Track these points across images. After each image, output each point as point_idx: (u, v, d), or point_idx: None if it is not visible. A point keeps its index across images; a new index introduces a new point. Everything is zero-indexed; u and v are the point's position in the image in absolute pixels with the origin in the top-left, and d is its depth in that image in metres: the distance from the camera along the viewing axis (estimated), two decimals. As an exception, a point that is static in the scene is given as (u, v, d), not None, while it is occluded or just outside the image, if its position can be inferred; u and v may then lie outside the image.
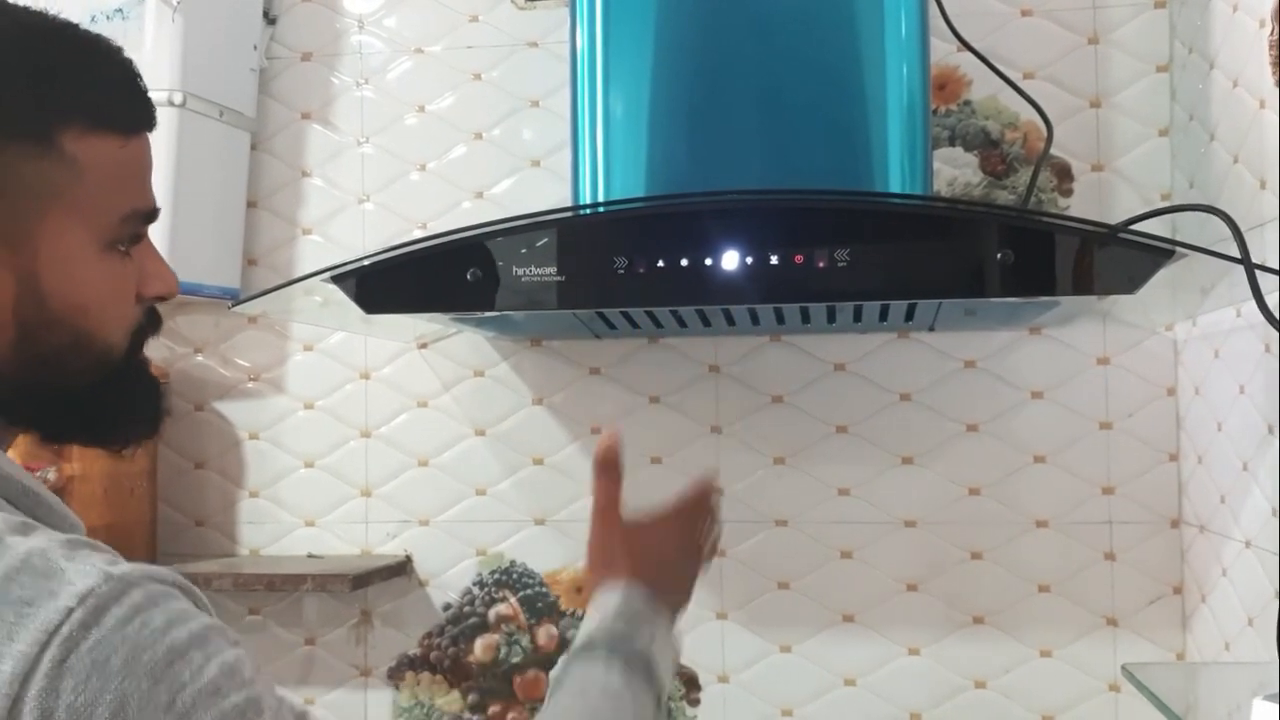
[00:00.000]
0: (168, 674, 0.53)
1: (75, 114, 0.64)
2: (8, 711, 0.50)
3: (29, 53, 0.63)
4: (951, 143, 1.44)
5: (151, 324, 0.72)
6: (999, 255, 0.99)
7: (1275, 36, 1.07)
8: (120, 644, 0.52)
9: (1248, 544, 1.17)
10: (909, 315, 1.25)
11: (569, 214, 1.14)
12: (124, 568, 0.55)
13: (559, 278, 1.04)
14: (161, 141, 0.90)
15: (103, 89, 0.66)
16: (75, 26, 0.67)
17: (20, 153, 0.62)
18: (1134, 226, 1.01)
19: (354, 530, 1.56)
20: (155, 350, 0.93)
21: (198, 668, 0.54)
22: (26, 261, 0.63)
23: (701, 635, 1.48)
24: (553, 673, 0.84)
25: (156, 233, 0.72)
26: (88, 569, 0.54)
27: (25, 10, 0.66)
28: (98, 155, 0.65)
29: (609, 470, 0.92)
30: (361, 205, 1.58)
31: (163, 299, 0.72)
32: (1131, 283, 0.98)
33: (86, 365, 0.66)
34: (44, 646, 0.51)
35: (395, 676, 1.54)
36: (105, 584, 0.53)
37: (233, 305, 1.33)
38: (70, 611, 0.52)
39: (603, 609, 0.86)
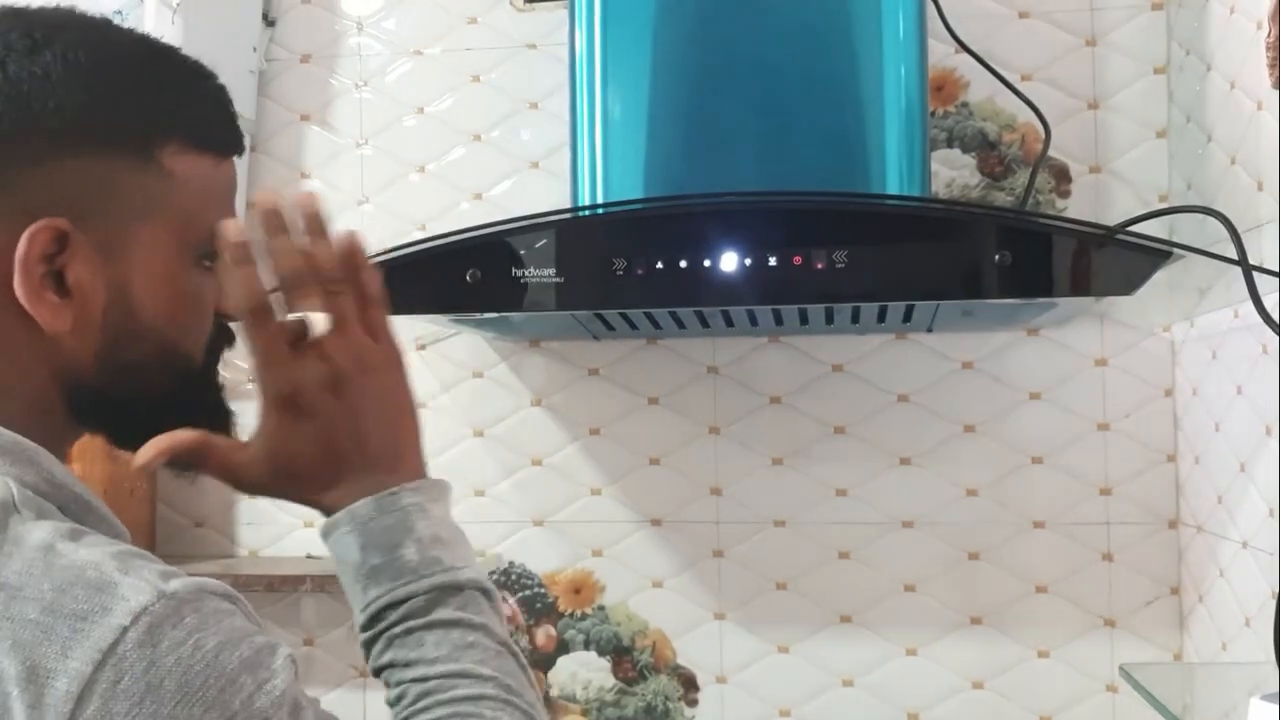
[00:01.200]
0: (220, 700, 0.53)
1: (175, 131, 0.66)
2: None
3: (138, 70, 0.66)
4: (949, 144, 1.44)
5: (226, 338, 0.73)
6: (997, 257, 0.99)
7: (1272, 38, 1.07)
8: (174, 667, 0.52)
9: (1245, 544, 1.18)
10: (907, 316, 1.25)
11: (568, 215, 1.14)
12: (176, 583, 0.55)
13: (558, 279, 1.04)
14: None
15: (201, 110, 0.69)
16: (177, 50, 0.69)
17: (124, 165, 0.64)
18: (1131, 228, 1.01)
19: (353, 531, 1.56)
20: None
21: (247, 695, 0.54)
22: (121, 270, 0.64)
23: (699, 635, 1.49)
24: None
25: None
26: (141, 584, 0.54)
27: (132, 31, 0.69)
28: (193, 172, 0.66)
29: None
30: (361, 207, 1.58)
31: (236, 319, 0.72)
32: (1129, 284, 0.98)
33: (167, 374, 0.67)
34: (99, 666, 0.51)
35: (394, 677, 1.54)
36: (159, 601, 0.53)
37: (232, 306, 1.33)
38: (125, 630, 0.52)
39: (346, 571, 0.68)
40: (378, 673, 0.67)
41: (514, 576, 1.53)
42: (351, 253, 0.69)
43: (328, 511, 0.69)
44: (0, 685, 0.51)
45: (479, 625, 0.67)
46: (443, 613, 0.66)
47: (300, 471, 0.69)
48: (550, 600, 1.52)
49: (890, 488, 1.45)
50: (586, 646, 1.51)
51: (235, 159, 0.72)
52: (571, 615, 1.52)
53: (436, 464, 1.65)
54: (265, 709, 0.54)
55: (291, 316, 0.68)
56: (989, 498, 1.43)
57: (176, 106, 0.67)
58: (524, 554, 1.53)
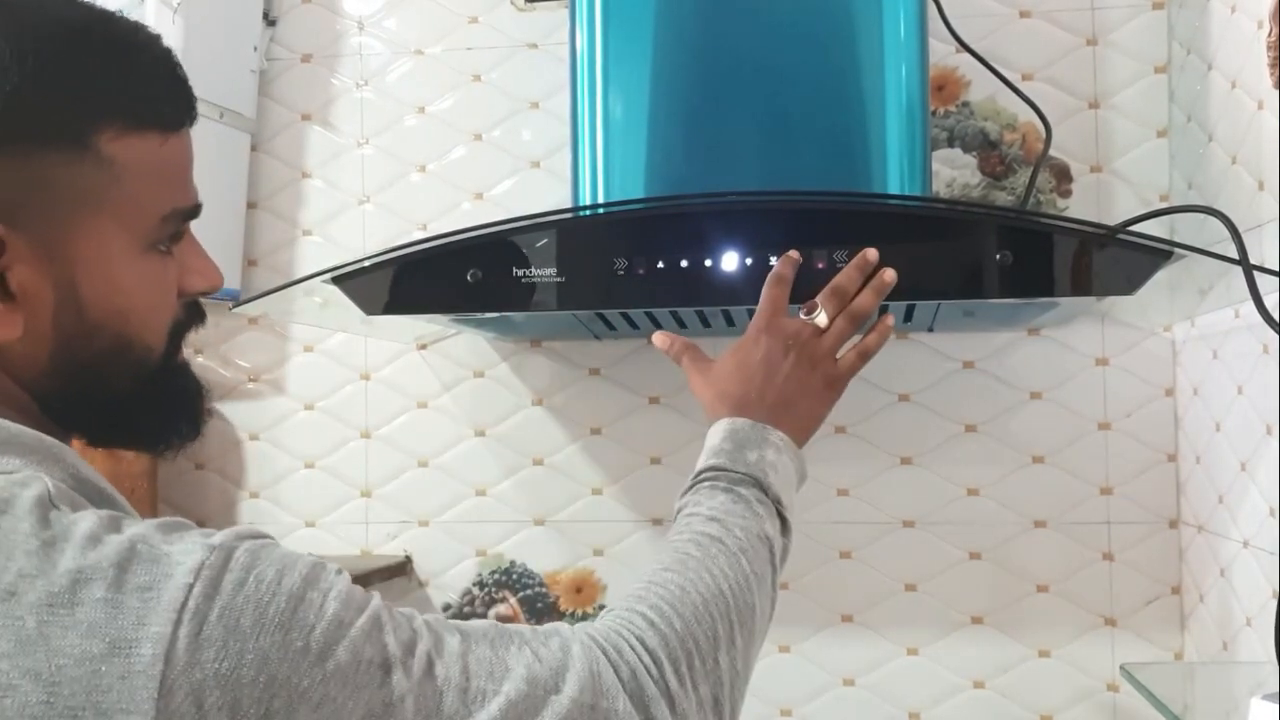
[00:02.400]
0: (295, 620, 0.55)
1: (112, 115, 0.62)
2: (158, 693, 0.51)
3: (65, 53, 0.61)
4: (950, 144, 1.44)
5: (194, 318, 0.72)
6: (998, 256, 0.99)
7: (1273, 38, 1.07)
8: (244, 605, 0.54)
9: (1246, 544, 1.18)
10: (908, 316, 1.25)
11: (569, 215, 1.14)
12: (218, 537, 0.57)
13: (559, 279, 1.04)
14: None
15: (141, 86, 0.64)
16: (112, 18, 0.65)
17: (55, 159, 0.61)
18: (1132, 227, 1.01)
19: (354, 531, 1.57)
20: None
21: (319, 606, 0.56)
22: (65, 269, 0.62)
23: (701, 635, 1.49)
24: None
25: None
26: (190, 546, 0.56)
27: (64, 3, 0.64)
28: (136, 156, 0.63)
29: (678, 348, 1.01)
30: (362, 206, 1.58)
31: (205, 294, 0.71)
32: (1130, 284, 0.98)
33: (125, 369, 0.66)
34: (176, 624, 0.53)
35: (395, 677, 1.54)
36: (211, 555, 0.55)
37: (233, 306, 1.33)
38: (190, 587, 0.54)
39: (705, 449, 0.89)
40: (677, 513, 0.85)
41: (515, 576, 1.53)
42: (880, 325, 0.97)
43: (718, 415, 0.91)
44: (90, 665, 0.52)
45: (758, 516, 0.83)
46: (743, 491, 0.84)
47: (729, 375, 0.93)
48: (551, 600, 1.52)
49: (891, 487, 1.45)
50: (587, 646, 1.51)
51: (187, 130, 0.67)
52: (573, 614, 1.52)
53: (438, 463, 1.65)
54: (339, 613, 0.57)
55: (813, 300, 0.94)
56: (990, 497, 1.43)
57: (110, 88, 0.63)
58: (525, 553, 1.53)
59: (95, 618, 0.52)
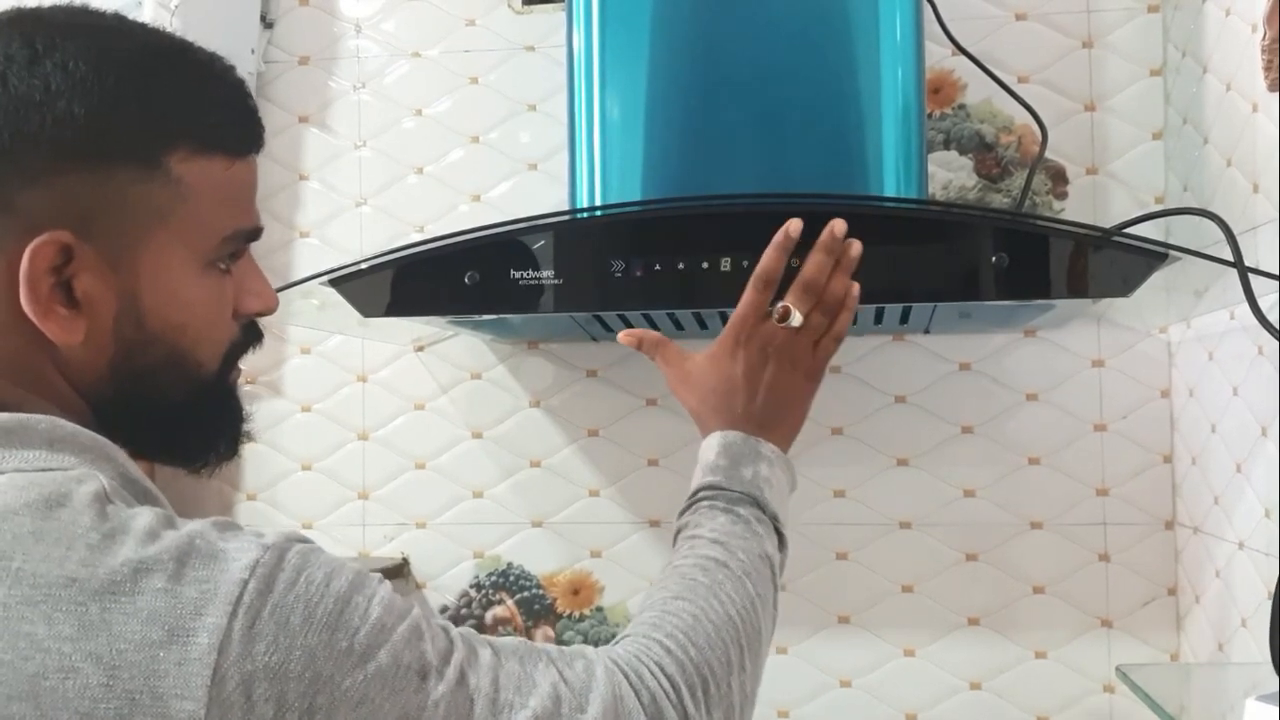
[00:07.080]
0: (341, 621, 0.58)
1: (183, 137, 0.65)
2: (211, 680, 0.54)
3: (143, 76, 0.64)
4: (946, 146, 1.45)
5: (251, 339, 0.74)
6: (994, 258, 0.99)
7: (1268, 41, 1.07)
8: (295, 603, 0.57)
9: (1241, 545, 1.18)
10: (904, 318, 1.25)
11: (566, 217, 1.14)
12: (271, 537, 0.59)
13: (556, 281, 1.04)
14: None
15: (212, 112, 0.68)
16: (190, 47, 0.68)
17: (128, 176, 0.64)
18: (1128, 230, 1.02)
19: (351, 532, 1.57)
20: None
21: (363, 610, 0.59)
22: (128, 281, 0.65)
23: (698, 637, 1.49)
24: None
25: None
26: (245, 544, 0.58)
27: (144, 29, 0.67)
28: (204, 177, 0.66)
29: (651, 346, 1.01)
30: (359, 208, 1.58)
31: (259, 315, 0.74)
32: (1126, 285, 0.99)
33: (178, 382, 0.69)
34: (231, 616, 0.55)
35: (392, 678, 1.54)
36: (265, 554, 0.58)
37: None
38: (245, 583, 0.56)
39: (700, 464, 0.92)
40: (677, 532, 0.88)
41: (512, 578, 1.53)
42: (848, 299, 0.95)
43: (708, 429, 0.94)
44: (149, 650, 0.54)
45: (758, 536, 0.86)
46: (742, 511, 0.87)
47: (712, 389, 0.94)
48: (548, 601, 1.52)
49: (888, 489, 1.45)
50: (585, 647, 1.51)
51: (254, 156, 0.71)
52: (570, 616, 1.52)
53: (435, 465, 1.65)
54: (382, 618, 0.59)
55: (784, 303, 0.93)
56: (986, 499, 1.44)
57: (183, 112, 0.66)
58: (522, 555, 1.53)
59: (156, 606, 0.55)
